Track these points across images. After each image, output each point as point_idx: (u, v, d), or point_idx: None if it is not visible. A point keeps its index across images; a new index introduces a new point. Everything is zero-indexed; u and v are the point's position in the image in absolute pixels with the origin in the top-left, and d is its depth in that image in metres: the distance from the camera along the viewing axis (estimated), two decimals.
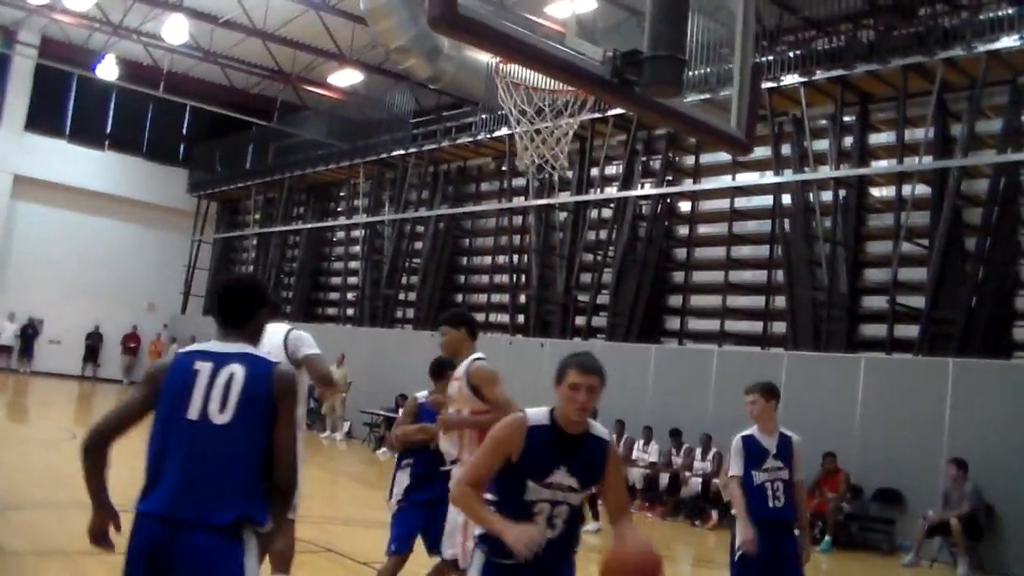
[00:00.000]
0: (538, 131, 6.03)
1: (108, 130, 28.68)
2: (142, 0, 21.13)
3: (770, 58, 13.96)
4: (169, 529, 2.86)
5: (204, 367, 3.00)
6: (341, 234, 24.87)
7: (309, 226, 25.53)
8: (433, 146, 20.71)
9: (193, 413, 2.95)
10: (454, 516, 4.83)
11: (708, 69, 13.38)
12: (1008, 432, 10.75)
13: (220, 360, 3.03)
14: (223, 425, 2.95)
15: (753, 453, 5.26)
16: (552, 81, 5.35)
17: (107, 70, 23.71)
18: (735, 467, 5.31)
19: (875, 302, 13.78)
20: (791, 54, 13.95)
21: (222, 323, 3.17)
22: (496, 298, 20.06)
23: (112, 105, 28.43)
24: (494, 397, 4.80)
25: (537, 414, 3.45)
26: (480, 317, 20.34)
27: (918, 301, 12.81)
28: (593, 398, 3.35)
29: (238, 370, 3.00)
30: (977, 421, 11.04)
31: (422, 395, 5.96)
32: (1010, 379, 11.27)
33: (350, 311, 23.38)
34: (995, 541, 10.66)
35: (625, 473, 3.56)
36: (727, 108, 5.57)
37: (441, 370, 6.04)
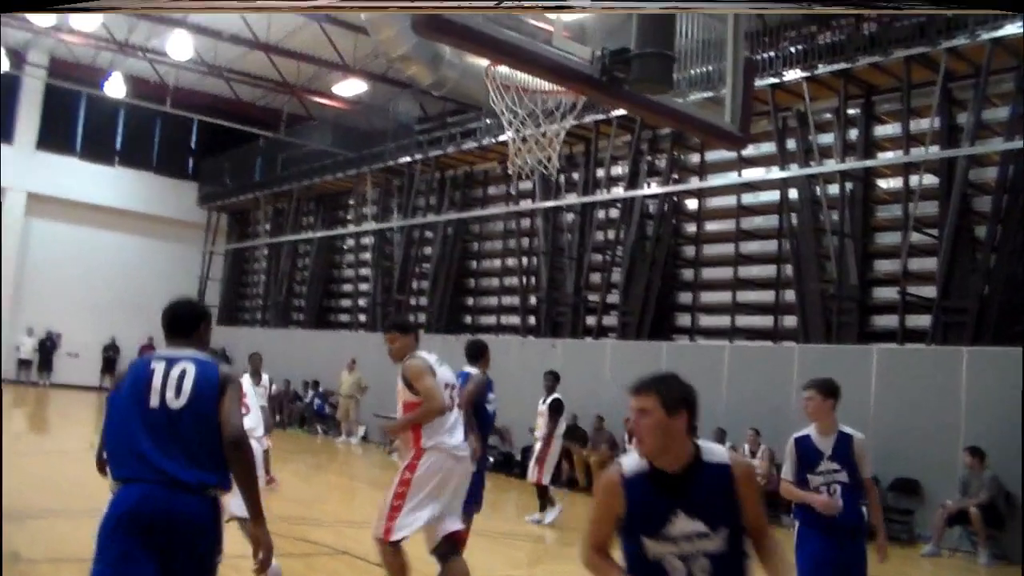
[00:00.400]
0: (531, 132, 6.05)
1: (118, 146, 28.92)
2: (146, 18, 21.24)
3: (772, 54, 13.90)
4: (168, 491, 3.29)
5: (159, 365, 3.51)
6: (351, 242, 24.94)
7: (319, 235, 25.60)
8: (439, 152, 20.74)
9: (154, 401, 3.43)
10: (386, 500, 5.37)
11: (710, 67, 13.31)
12: None
13: (172, 360, 3.54)
14: (179, 409, 3.41)
15: (805, 456, 4.94)
16: (542, 82, 5.36)
17: (115, 88, 23.89)
18: (787, 470, 5.04)
19: (886, 293, 13.67)
20: (792, 49, 13.90)
21: (170, 335, 3.72)
22: (506, 300, 20.06)
23: (121, 121, 28.68)
24: (421, 389, 5.32)
25: (632, 461, 2.89)
26: (491, 320, 20.38)
27: (929, 291, 12.72)
28: (648, 423, 2.79)
29: (189, 366, 3.51)
30: (993, 409, 10.95)
31: None
32: None
33: (362, 317, 23.45)
34: (1017, 529, 10.55)
35: (760, 492, 3.25)
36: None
37: (477, 352, 6.78)
